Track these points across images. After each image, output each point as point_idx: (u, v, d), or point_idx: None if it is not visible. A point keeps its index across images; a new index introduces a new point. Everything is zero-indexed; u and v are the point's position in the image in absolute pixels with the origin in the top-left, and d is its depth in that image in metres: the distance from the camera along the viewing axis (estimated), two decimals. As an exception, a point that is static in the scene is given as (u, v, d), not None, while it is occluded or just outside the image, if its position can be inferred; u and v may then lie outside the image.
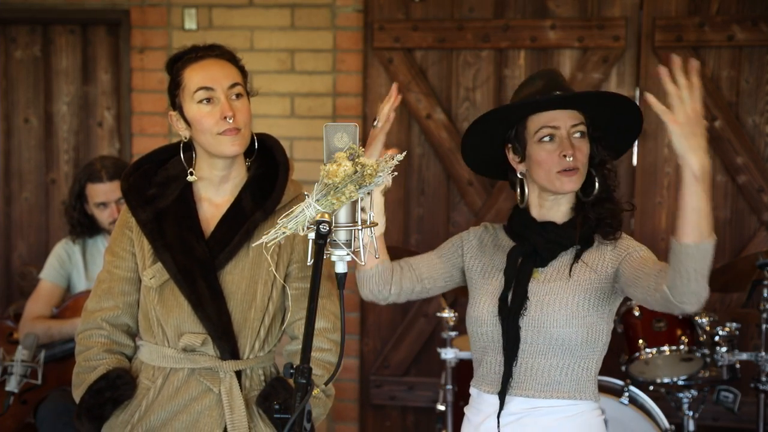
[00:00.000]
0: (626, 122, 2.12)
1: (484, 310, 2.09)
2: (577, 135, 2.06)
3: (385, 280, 2.16)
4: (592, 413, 2.07)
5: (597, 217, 2.06)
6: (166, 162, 2.35)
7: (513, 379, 2.05)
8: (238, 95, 2.22)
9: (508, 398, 2.05)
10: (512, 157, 2.14)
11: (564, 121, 2.05)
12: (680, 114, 1.74)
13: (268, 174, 2.30)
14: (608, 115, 2.09)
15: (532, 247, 2.08)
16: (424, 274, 2.19)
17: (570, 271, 2.05)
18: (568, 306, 2.02)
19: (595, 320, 2.03)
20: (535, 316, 2.03)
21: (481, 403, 2.12)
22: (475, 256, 2.19)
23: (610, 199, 2.09)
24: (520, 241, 2.11)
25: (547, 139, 2.05)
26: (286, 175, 2.30)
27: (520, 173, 2.13)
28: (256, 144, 2.31)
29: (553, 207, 2.11)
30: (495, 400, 2.07)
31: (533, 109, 2.07)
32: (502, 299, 2.06)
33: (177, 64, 2.27)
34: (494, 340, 2.08)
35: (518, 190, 2.14)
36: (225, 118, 2.17)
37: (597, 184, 2.08)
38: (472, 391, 2.17)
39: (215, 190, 2.29)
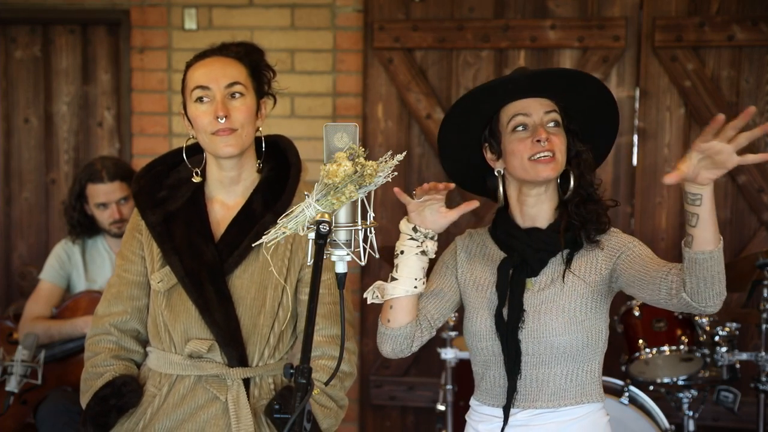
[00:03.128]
0: (602, 112, 2.08)
1: (481, 325, 2.05)
2: (552, 124, 2.01)
3: (411, 338, 2.09)
4: (598, 413, 2.05)
5: (581, 220, 2.01)
6: (179, 164, 2.30)
7: (518, 392, 2.02)
8: (238, 94, 2.16)
9: (513, 411, 2.03)
10: (490, 157, 2.09)
11: (536, 108, 2.01)
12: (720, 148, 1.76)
13: (281, 176, 2.25)
14: (582, 104, 2.05)
15: (521, 257, 2.04)
16: (435, 317, 2.12)
17: (563, 277, 2.01)
18: (565, 313, 1.99)
19: (594, 322, 2.01)
20: (534, 327, 1.99)
21: (484, 414, 2.09)
22: (466, 270, 2.13)
23: (592, 199, 2.04)
24: (508, 252, 2.07)
25: (520, 128, 2.01)
26: (297, 177, 2.25)
27: (497, 172, 2.09)
28: (264, 146, 2.26)
29: (535, 206, 2.05)
30: (499, 412, 2.05)
31: (500, 96, 2.03)
32: (498, 315, 2.02)
33: (188, 63, 2.23)
34: (495, 355, 2.04)
35: (500, 187, 2.10)
36: (217, 117, 2.12)
37: (572, 179, 2.04)
38: (474, 403, 2.13)
39: (226, 192, 2.25)
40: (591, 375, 2.03)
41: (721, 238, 1.82)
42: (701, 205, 1.78)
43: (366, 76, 4.24)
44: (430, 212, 1.95)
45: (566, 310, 1.99)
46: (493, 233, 2.14)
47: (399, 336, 2.05)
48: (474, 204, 1.95)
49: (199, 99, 2.15)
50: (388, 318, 2.04)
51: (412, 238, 1.96)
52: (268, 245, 1.75)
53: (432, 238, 1.98)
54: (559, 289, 2.00)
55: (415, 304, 2.04)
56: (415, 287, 1.99)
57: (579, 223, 2.01)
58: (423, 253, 1.98)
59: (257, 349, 2.19)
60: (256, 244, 1.82)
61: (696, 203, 1.78)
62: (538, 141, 1.98)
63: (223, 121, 2.12)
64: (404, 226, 1.98)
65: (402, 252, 1.97)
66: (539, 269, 2.03)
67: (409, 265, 1.97)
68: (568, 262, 2.02)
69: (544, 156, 1.99)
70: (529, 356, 2.01)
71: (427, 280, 2.08)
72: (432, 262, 2.07)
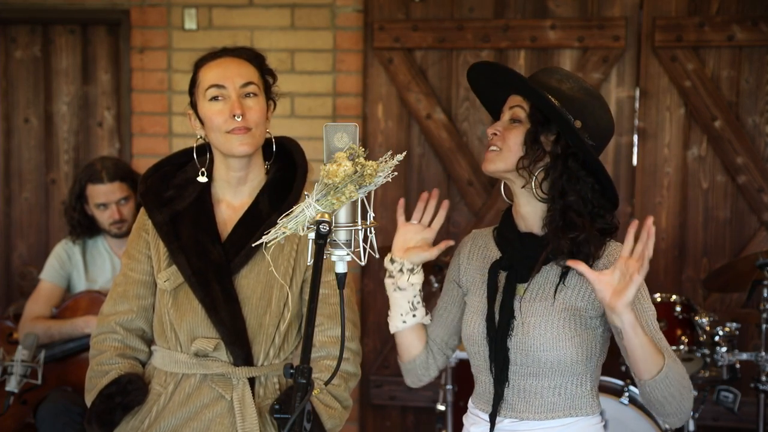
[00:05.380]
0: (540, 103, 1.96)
1: (475, 329, 2.03)
2: (511, 120, 1.99)
3: (426, 367, 2.14)
4: (588, 422, 2.00)
5: (565, 249, 1.93)
6: (186, 165, 2.31)
7: (505, 401, 2.00)
8: (252, 94, 2.18)
9: (500, 419, 2.00)
10: None
11: (509, 104, 2.02)
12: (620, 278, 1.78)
13: (287, 177, 2.26)
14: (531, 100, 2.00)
15: (510, 261, 2.01)
16: (445, 340, 2.16)
17: (555, 290, 1.95)
18: (554, 328, 1.93)
19: (586, 338, 1.95)
20: (522, 339, 1.95)
21: (477, 416, 2.08)
22: (466, 272, 2.13)
23: (572, 226, 1.92)
24: (502, 253, 2.04)
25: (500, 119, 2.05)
26: (303, 178, 2.25)
27: None
28: (274, 147, 2.27)
29: (519, 205, 2.02)
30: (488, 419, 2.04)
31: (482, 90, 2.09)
32: (489, 319, 1.99)
33: (198, 63, 2.24)
34: (486, 360, 2.02)
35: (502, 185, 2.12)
36: (234, 116, 2.13)
37: (533, 185, 1.96)
38: (469, 404, 2.13)
39: (233, 192, 2.26)
40: (582, 389, 1.98)
41: (663, 365, 1.82)
42: (623, 338, 1.81)
43: (366, 76, 4.24)
44: (413, 236, 1.99)
45: (555, 326, 1.94)
46: (495, 234, 2.12)
47: (412, 369, 2.14)
48: (449, 242, 2.01)
49: (215, 98, 2.16)
50: (399, 352, 2.14)
51: (389, 276, 2.02)
52: (269, 245, 1.75)
53: (411, 271, 2.00)
54: (549, 303, 1.95)
55: (417, 336, 2.09)
56: (404, 322, 2.04)
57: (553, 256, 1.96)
58: (400, 288, 2.00)
59: (263, 349, 2.20)
60: (256, 243, 1.82)
61: (620, 336, 1.81)
62: (493, 134, 2.01)
63: (239, 119, 2.13)
64: (386, 259, 2.02)
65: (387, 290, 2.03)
66: (527, 276, 1.98)
67: (393, 302, 2.03)
68: (562, 276, 1.96)
69: (491, 149, 2.00)
70: (517, 366, 1.98)
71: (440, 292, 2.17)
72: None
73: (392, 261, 2.01)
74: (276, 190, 2.24)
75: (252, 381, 2.20)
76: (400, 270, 2.01)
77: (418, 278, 2.03)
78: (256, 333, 2.19)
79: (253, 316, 2.18)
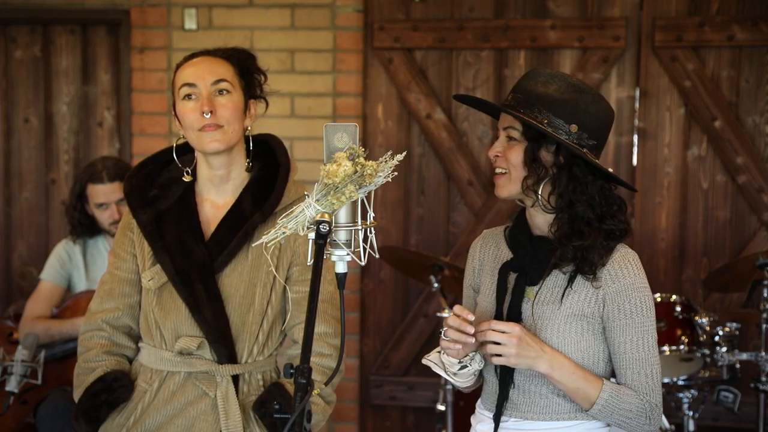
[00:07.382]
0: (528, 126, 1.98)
1: None
2: (507, 138, 1.99)
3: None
4: (593, 426, 2.00)
5: (569, 255, 1.95)
6: (171, 163, 2.33)
7: (511, 401, 2.01)
8: (224, 91, 2.19)
9: (505, 419, 2.02)
10: None
11: (502, 123, 2.02)
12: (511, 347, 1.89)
13: (270, 175, 2.27)
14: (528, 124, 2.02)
15: (520, 264, 2.01)
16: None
17: (563, 294, 1.96)
18: (559, 332, 1.94)
19: (592, 343, 1.96)
20: None
21: (484, 415, 2.09)
22: (479, 275, 2.14)
23: (578, 233, 1.94)
24: (514, 255, 2.05)
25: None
26: (286, 176, 2.27)
27: None
28: (251, 145, 2.28)
29: (532, 216, 2.03)
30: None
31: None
32: (497, 320, 1.99)
33: (177, 65, 2.26)
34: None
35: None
36: (203, 113, 2.15)
37: (540, 197, 1.96)
38: (477, 405, 2.14)
39: (216, 191, 2.27)
40: None
41: (594, 401, 1.92)
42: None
43: (366, 76, 4.24)
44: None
45: (560, 330, 1.95)
46: (507, 235, 2.12)
47: (471, 387, 2.16)
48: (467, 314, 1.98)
49: (187, 96, 2.19)
50: (465, 388, 2.14)
51: (463, 367, 2.01)
52: (268, 245, 1.75)
53: (475, 353, 2.00)
54: (556, 307, 1.96)
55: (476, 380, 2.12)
56: (474, 374, 2.06)
57: (560, 260, 1.97)
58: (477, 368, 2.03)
59: (246, 347, 2.22)
60: (256, 243, 1.83)
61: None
62: (495, 156, 2.01)
63: (208, 116, 2.15)
64: (448, 361, 2.01)
65: (455, 374, 2.03)
66: (537, 279, 1.99)
67: (467, 373, 2.03)
68: (570, 280, 1.97)
69: (497, 172, 2.01)
70: (523, 368, 1.98)
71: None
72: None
73: (460, 362, 1.99)
74: (259, 189, 2.25)
75: (236, 378, 2.22)
76: (472, 358, 2.00)
77: (481, 351, 2.02)
78: (240, 331, 2.21)
79: (237, 315, 2.21)
